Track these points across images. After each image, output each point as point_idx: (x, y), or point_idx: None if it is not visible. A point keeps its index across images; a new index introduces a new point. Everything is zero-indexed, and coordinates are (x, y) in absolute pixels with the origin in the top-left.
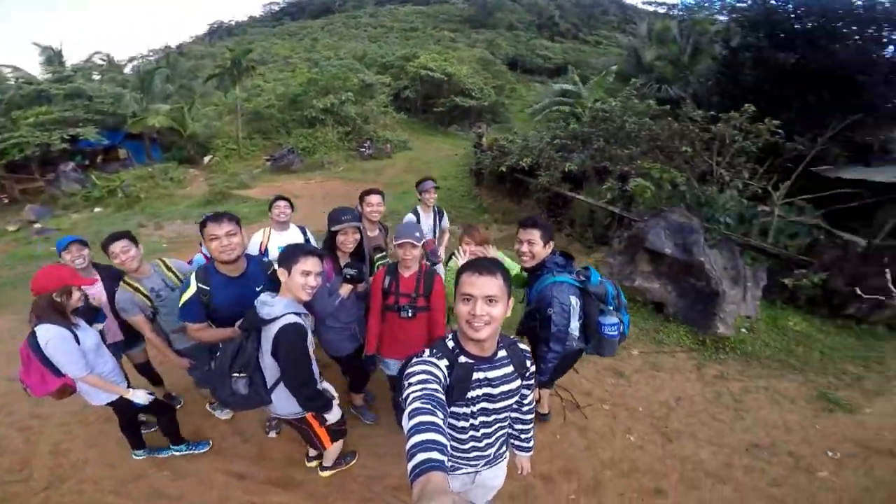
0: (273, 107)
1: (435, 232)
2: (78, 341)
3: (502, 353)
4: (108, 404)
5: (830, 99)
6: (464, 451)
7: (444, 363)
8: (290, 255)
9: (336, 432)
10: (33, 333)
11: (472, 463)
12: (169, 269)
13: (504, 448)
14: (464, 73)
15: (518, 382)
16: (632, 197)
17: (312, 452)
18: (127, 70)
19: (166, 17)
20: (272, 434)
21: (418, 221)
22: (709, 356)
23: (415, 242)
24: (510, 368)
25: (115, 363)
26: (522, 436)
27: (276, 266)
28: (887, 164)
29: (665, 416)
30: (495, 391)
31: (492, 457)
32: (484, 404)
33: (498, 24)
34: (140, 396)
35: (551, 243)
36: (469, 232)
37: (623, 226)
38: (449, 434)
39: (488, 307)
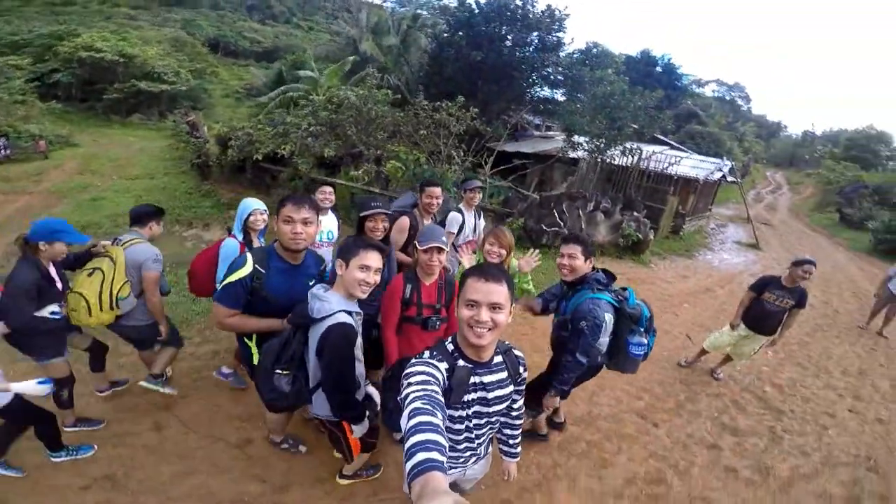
0: None
1: (476, 232)
2: None
3: (498, 358)
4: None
5: (499, 90)
6: (459, 451)
7: (443, 366)
8: (351, 246)
9: (366, 444)
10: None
11: (464, 462)
12: None
13: (490, 445)
14: (151, 54)
15: (511, 388)
16: (388, 178)
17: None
18: None
19: None
20: (302, 448)
21: (463, 221)
22: None
23: (442, 247)
24: (504, 374)
25: None
26: (511, 441)
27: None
28: (528, 139)
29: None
30: (489, 395)
31: (482, 454)
32: (478, 408)
33: (200, 3)
34: (32, 388)
35: (592, 259)
36: (495, 233)
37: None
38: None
39: (492, 314)
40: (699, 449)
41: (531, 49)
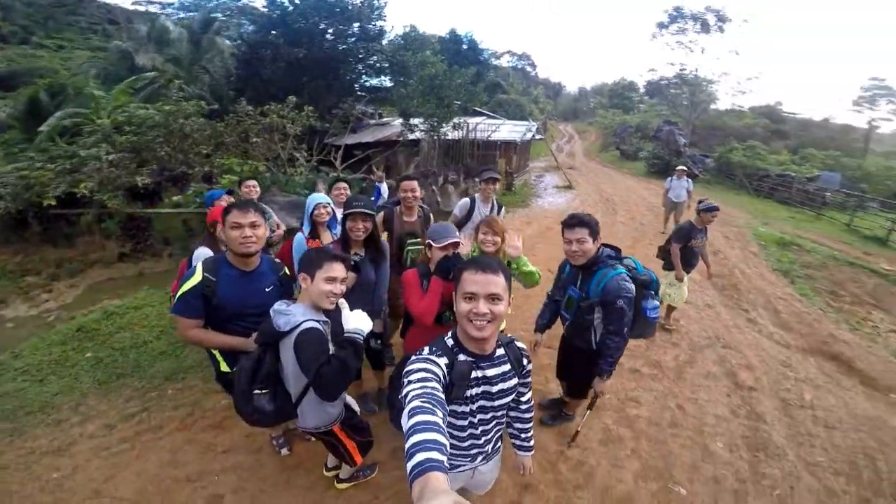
0: None
1: None
2: None
3: (500, 351)
4: None
5: (327, 84)
6: (464, 448)
7: (443, 361)
8: (314, 259)
9: (363, 444)
10: (191, 252)
11: (472, 459)
12: None
13: (500, 442)
14: None
15: (515, 380)
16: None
17: (331, 462)
18: None
19: None
20: (284, 451)
21: (471, 210)
22: None
23: (459, 241)
24: (507, 367)
25: None
26: (523, 435)
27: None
28: (366, 129)
29: None
30: (493, 389)
31: (489, 451)
32: (482, 402)
33: None
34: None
35: (599, 238)
36: (488, 222)
37: None
38: (448, 432)
39: (491, 305)
40: None
41: (353, 40)
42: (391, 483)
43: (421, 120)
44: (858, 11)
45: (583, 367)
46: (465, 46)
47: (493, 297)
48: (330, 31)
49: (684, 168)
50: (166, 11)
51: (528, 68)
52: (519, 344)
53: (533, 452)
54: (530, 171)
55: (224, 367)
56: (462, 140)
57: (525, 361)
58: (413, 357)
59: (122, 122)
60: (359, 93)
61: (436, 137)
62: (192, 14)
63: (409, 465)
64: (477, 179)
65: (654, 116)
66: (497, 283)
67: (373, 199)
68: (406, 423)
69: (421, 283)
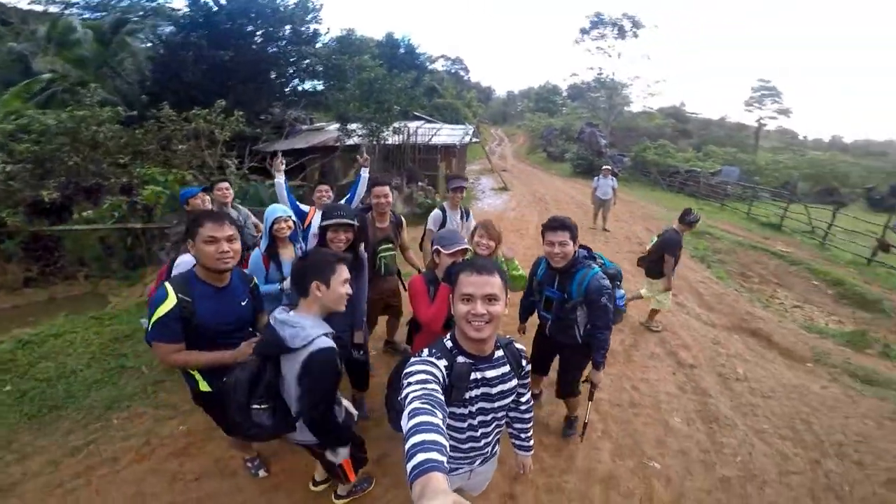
0: None
1: (463, 231)
2: None
3: (499, 352)
4: None
5: (256, 88)
6: (463, 451)
7: (442, 363)
8: (326, 265)
9: (358, 461)
10: (174, 258)
11: (470, 462)
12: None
13: (498, 445)
14: None
15: (515, 382)
16: (148, 206)
17: (318, 476)
18: None
19: None
20: (262, 473)
21: (444, 219)
22: None
23: (467, 248)
24: (507, 368)
25: None
26: (522, 435)
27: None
28: (298, 135)
29: None
30: (493, 391)
31: (489, 454)
32: (482, 404)
33: None
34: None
35: (577, 241)
36: (485, 226)
37: (160, 238)
38: (448, 435)
39: (488, 306)
40: None
41: (284, 43)
42: (381, 493)
43: (359, 125)
44: (751, 27)
45: (569, 362)
46: (402, 51)
47: (489, 298)
48: (259, 32)
49: (609, 168)
50: (69, 11)
51: (462, 72)
52: (518, 345)
53: (533, 452)
54: (467, 174)
55: (204, 387)
56: (403, 144)
57: (524, 362)
58: (412, 359)
59: (18, 129)
60: (291, 97)
61: (375, 142)
62: (99, 14)
63: (410, 465)
64: (418, 182)
65: (576, 119)
66: (493, 283)
67: (353, 185)
68: (406, 424)
69: (428, 290)
